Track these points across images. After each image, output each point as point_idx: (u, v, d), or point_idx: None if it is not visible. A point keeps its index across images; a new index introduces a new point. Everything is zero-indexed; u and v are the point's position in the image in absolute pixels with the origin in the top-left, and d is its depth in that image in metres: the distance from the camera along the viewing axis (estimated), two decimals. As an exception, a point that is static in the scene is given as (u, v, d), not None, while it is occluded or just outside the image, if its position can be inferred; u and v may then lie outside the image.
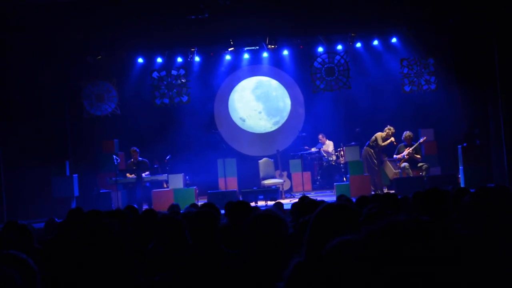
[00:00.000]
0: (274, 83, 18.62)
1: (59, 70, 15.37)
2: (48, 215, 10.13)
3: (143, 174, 14.94)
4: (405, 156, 14.72)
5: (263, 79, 18.64)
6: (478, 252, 1.41)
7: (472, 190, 4.93)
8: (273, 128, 18.63)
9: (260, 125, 18.64)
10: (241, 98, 18.66)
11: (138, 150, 15.18)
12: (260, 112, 18.68)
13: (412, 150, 14.70)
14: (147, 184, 14.96)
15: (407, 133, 14.87)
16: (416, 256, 1.33)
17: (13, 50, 14.47)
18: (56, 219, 7.98)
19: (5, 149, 14.63)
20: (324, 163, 17.07)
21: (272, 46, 16.60)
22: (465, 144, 14.57)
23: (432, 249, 1.35)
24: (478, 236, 2.97)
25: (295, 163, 16.50)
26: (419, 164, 14.71)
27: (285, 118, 18.60)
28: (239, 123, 18.59)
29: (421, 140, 15.08)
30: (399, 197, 6.94)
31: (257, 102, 18.70)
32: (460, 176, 14.47)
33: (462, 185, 13.62)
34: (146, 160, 15.22)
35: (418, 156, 14.84)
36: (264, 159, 16.71)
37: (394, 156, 15.07)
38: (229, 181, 15.85)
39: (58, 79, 15.35)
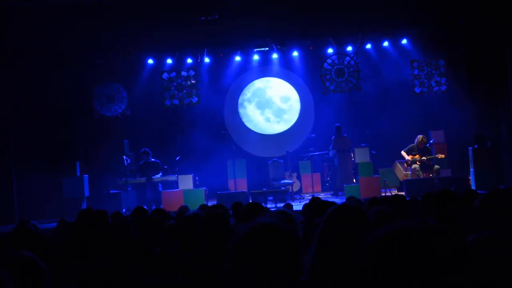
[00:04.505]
0: (277, 84, 18.60)
1: (70, 71, 15.44)
2: (59, 216, 10.18)
3: (157, 175, 15.00)
4: (417, 163, 14.69)
5: (263, 80, 18.62)
6: (484, 255, 1.41)
7: (480, 192, 4.92)
8: (276, 129, 18.59)
9: (263, 126, 18.60)
10: (247, 100, 18.67)
11: (150, 151, 15.22)
12: (261, 114, 18.66)
13: (426, 158, 14.66)
14: (159, 185, 15.00)
15: (420, 137, 14.79)
16: (420, 261, 1.34)
17: (23, 52, 14.54)
18: (67, 219, 8.00)
19: (16, 150, 14.71)
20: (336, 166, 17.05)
21: (283, 48, 16.63)
22: (476, 146, 14.50)
23: (437, 253, 1.35)
24: (488, 237, 2.97)
25: (304, 164, 16.50)
26: (435, 167, 14.70)
27: (288, 119, 18.57)
28: (248, 124, 18.60)
29: (431, 141, 15.06)
30: (407, 198, 6.92)
31: (257, 103, 18.68)
32: (471, 178, 14.40)
33: (473, 187, 13.56)
34: (158, 161, 15.25)
35: (430, 158, 14.83)
36: (274, 160, 16.70)
37: (402, 152, 14.98)
38: (238, 182, 15.86)
39: (68, 80, 15.43)
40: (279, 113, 18.61)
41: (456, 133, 15.82)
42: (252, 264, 1.99)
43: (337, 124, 16.03)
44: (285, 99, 18.61)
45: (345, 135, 16.01)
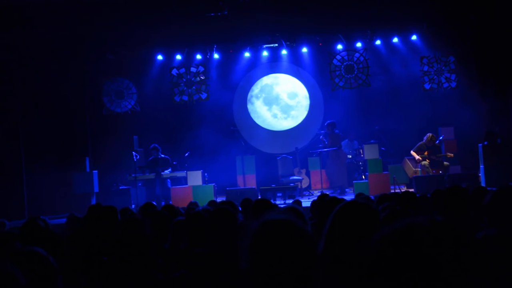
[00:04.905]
0: (285, 80, 18.57)
1: (80, 67, 15.50)
2: (69, 211, 10.24)
3: (166, 171, 15.04)
4: (427, 160, 14.67)
5: (271, 76, 18.60)
6: (494, 252, 1.41)
7: (490, 189, 4.89)
8: (284, 126, 18.54)
9: (270, 123, 18.57)
10: (255, 96, 18.67)
11: (159, 147, 15.27)
12: (268, 110, 18.65)
13: (436, 156, 14.65)
14: (168, 181, 15.04)
15: (429, 136, 14.77)
16: (430, 259, 1.33)
17: (33, 48, 14.60)
18: (77, 215, 8.03)
19: (26, 146, 14.79)
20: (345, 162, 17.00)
21: (292, 44, 16.59)
22: (486, 143, 14.43)
23: (446, 251, 1.35)
24: (499, 234, 2.95)
25: (313, 161, 16.47)
26: (445, 164, 14.68)
27: (296, 115, 18.53)
28: (257, 120, 18.59)
29: (441, 138, 15.05)
30: (417, 195, 6.91)
31: (264, 99, 18.66)
32: (481, 175, 14.34)
33: (483, 184, 13.49)
34: (168, 157, 15.29)
35: (440, 156, 14.82)
36: (283, 156, 16.70)
37: (412, 152, 14.96)
38: (247, 179, 15.86)
39: (78, 76, 15.49)
40: (286, 109, 18.58)
41: (466, 130, 15.74)
42: (268, 262, 1.97)
43: (331, 121, 15.89)
44: (293, 95, 18.58)
45: (337, 131, 15.77)
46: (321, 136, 15.98)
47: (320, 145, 16.77)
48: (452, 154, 14.94)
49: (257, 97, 18.67)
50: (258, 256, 2.02)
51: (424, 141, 14.82)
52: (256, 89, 18.63)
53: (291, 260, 2.01)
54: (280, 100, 18.61)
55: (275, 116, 18.61)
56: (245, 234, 2.09)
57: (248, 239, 2.07)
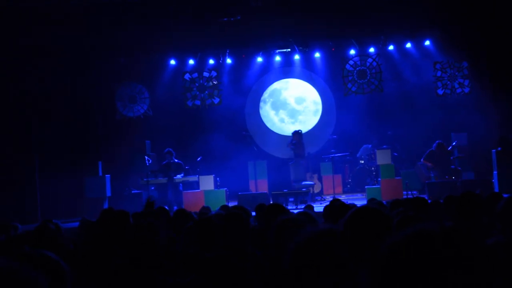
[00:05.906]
0: (293, 85, 18.56)
1: (93, 72, 15.58)
2: (81, 215, 10.28)
3: (178, 176, 15.07)
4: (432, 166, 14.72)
5: (281, 81, 18.60)
6: (505, 259, 1.39)
7: (505, 196, 4.85)
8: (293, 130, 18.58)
9: (279, 127, 18.56)
10: (263, 100, 18.67)
11: (173, 151, 15.30)
12: (275, 114, 18.65)
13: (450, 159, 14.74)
14: (180, 185, 15.07)
15: (438, 144, 14.81)
16: (440, 264, 1.33)
17: (46, 53, 14.69)
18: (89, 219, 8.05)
19: (39, 150, 14.87)
20: (357, 167, 16.99)
21: (305, 49, 16.60)
22: (499, 149, 14.34)
23: (456, 257, 1.34)
24: (503, 241, 2.93)
25: (326, 166, 16.44)
26: (455, 170, 14.65)
27: (303, 120, 18.51)
28: (269, 125, 18.59)
29: (454, 144, 15.03)
30: (429, 201, 6.88)
31: (272, 104, 18.67)
32: (494, 181, 14.24)
33: (496, 190, 13.39)
34: (181, 162, 15.31)
35: (454, 159, 14.82)
36: (295, 161, 16.67)
37: (422, 159, 14.96)
38: (259, 183, 15.86)
39: (91, 80, 15.57)
40: (294, 114, 18.56)
41: (479, 136, 15.63)
42: (313, 267, 2.07)
43: (299, 130, 16.10)
44: (300, 100, 18.57)
45: (303, 141, 15.95)
46: (289, 141, 16.03)
47: (333, 150, 16.73)
48: (462, 155, 14.93)
49: (265, 102, 18.68)
50: (304, 260, 2.13)
51: (433, 148, 14.82)
52: (265, 93, 18.65)
53: (335, 265, 2.12)
54: (287, 105, 18.60)
55: (282, 120, 18.61)
56: (292, 238, 2.22)
57: (295, 244, 2.19)
